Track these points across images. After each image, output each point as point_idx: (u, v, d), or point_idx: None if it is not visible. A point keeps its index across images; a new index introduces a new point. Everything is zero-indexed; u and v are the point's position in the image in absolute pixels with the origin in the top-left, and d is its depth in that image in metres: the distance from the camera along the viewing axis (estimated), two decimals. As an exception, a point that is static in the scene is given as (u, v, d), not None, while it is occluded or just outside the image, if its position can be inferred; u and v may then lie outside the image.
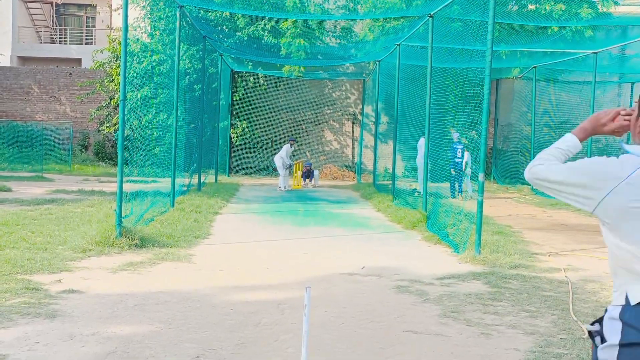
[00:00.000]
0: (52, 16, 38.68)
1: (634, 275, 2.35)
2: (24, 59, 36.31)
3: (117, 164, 11.35)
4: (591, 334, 2.48)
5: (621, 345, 2.31)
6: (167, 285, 7.54)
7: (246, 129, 26.62)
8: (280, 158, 21.13)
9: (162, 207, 13.46)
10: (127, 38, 10.28)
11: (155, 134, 21.56)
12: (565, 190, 2.53)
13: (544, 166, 2.63)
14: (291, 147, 21.84)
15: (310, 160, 25.77)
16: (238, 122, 26.69)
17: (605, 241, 2.48)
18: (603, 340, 2.40)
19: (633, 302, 2.32)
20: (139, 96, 21.45)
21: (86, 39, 38.24)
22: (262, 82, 26.98)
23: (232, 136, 26.79)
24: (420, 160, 18.52)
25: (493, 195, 20.38)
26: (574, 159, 2.64)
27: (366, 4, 20.99)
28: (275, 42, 22.33)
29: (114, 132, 27.15)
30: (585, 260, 10.12)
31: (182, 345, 5.44)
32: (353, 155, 28.58)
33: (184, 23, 17.24)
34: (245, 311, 6.55)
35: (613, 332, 2.35)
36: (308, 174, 23.22)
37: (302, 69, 24.08)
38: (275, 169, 22.71)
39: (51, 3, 38.08)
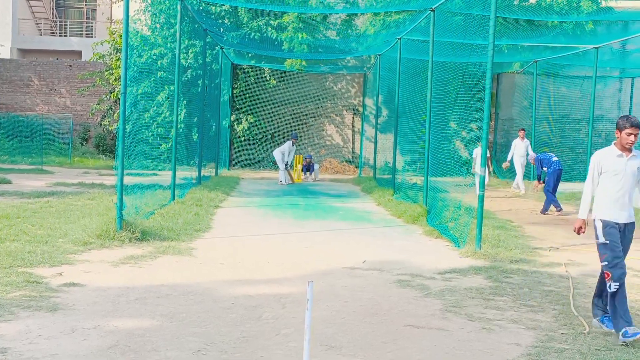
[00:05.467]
0: (52, 8, 38.57)
1: None
2: (24, 51, 36.23)
3: (117, 157, 11.34)
4: None
5: None
6: (168, 278, 7.54)
7: (252, 121, 26.32)
8: (281, 153, 21.02)
9: (163, 200, 13.45)
10: (128, 30, 10.25)
11: (154, 127, 21.53)
12: None
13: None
14: (293, 146, 21.47)
15: (310, 153, 25.67)
16: (241, 116, 26.48)
17: None
18: None
19: None
20: (139, 92, 21.37)
21: (86, 31, 38.15)
22: (268, 76, 26.70)
23: (237, 129, 26.56)
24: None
25: (493, 190, 20.37)
26: None
27: (367, -3, 20.94)
28: (277, 36, 22.25)
29: (116, 126, 27.11)
30: (585, 255, 10.12)
31: (184, 339, 5.44)
32: (354, 149, 28.54)
33: (185, 16, 17.18)
34: (247, 305, 6.55)
35: None
36: (308, 167, 23.01)
37: (303, 62, 23.99)
38: (275, 162, 22.64)
39: (51, -5, 38.03)
